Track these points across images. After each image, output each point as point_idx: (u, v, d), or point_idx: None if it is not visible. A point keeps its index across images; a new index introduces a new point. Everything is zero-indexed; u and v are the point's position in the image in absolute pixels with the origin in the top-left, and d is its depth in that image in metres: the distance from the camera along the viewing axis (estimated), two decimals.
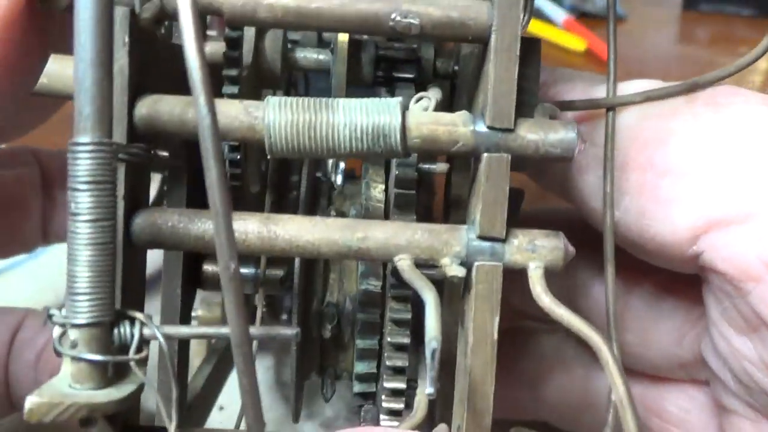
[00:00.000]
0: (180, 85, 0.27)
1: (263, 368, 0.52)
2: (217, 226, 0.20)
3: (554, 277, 0.26)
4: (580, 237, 0.28)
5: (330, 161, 0.37)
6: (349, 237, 0.26)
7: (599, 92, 0.33)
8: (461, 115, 0.26)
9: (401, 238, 0.26)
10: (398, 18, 0.25)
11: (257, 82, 0.34)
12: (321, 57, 0.34)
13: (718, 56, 0.87)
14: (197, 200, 0.32)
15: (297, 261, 0.33)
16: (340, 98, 0.26)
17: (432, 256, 0.26)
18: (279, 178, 0.37)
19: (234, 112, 0.25)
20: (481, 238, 0.26)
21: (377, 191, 0.33)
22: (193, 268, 0.35)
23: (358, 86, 0.34)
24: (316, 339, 0.34)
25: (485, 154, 0.25)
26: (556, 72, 0.34)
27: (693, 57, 0.89)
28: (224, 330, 0.23)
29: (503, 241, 0.26)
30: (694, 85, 0.32)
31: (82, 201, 0.22)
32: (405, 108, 0.26)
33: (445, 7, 0.25)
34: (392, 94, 0.33)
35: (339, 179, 0.36)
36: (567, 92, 0.33)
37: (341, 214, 0.35)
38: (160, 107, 0.25)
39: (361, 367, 0.33)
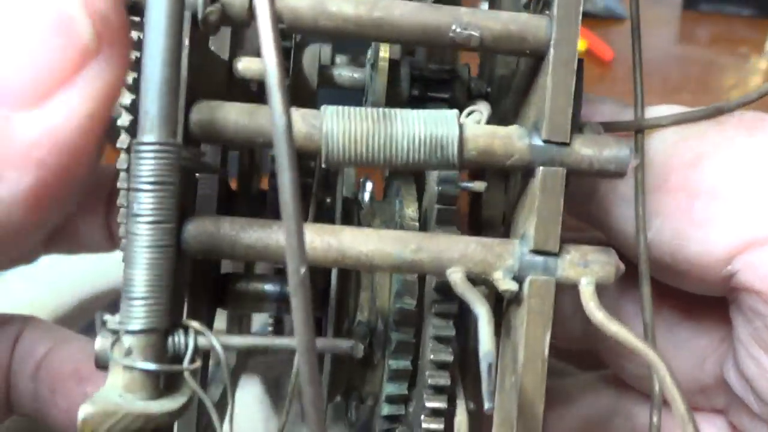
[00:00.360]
0: (220, 93, 0.26)
1: (254, 382, 0.51)
2: (289, 232, 0.20)
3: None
4: None
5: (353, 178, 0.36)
6: (403, 249, 0.26)
7: (625, 116, 0.33)
8: (515, 129, 0.26)
9: (454, 251, 0.26)
10: (459, 30, 0.25)
11: (292, 97, 0.34)
12: (356, 75, 0.34)
13: (718, 56, 0.88)
14: (226, 208, 0.31)
15: (333, 279, 0.32)
16: (397, 109, 0.25)
17: (485, 269, 0.26)
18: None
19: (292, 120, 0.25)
20: (535, 252, 0.25)
21: (411, 210, 0.33)
22: (216, 287, 0.34)
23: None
24: (345, 359, 0.33)
25: (540, 168, 0.25)
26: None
27: (693, 57, 0.90)
28: (289, 341, 0.22)
29: (556, 255, 0.26)
30: (720, 110, 0.32)
31: (145, 202, 0.21)
32: (459, 117, 0.26)
33: (505, 20, 0.25)
34: None
35: (366, 197, 0.35)
36: (592, 116, 0.34)
37: None
38: (219, 113, 0.25)
39: (391, 389, 0.32)
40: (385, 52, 0.33)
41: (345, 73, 0.34)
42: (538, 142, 0.25)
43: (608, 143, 0.26)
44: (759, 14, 0.97)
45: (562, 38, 0.25)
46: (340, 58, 0.35)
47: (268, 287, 0.36)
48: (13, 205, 0.22)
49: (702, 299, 0.33)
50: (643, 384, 0.37)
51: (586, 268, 0.26)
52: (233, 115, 0.25)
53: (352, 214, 0.35)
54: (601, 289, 0.26)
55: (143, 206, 0.21)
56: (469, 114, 0.27)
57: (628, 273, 0.28)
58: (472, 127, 0.25)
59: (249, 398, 0.51)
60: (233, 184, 0.37)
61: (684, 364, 0.36)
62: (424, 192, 0.33)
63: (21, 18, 0.21)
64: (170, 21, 0.21)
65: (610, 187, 0.33)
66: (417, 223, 0.32)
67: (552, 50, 0.25)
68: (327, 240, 0.25)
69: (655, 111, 0.33)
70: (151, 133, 0.21)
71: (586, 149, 0.25)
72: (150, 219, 0.21)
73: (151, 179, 0.21)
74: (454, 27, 0.25)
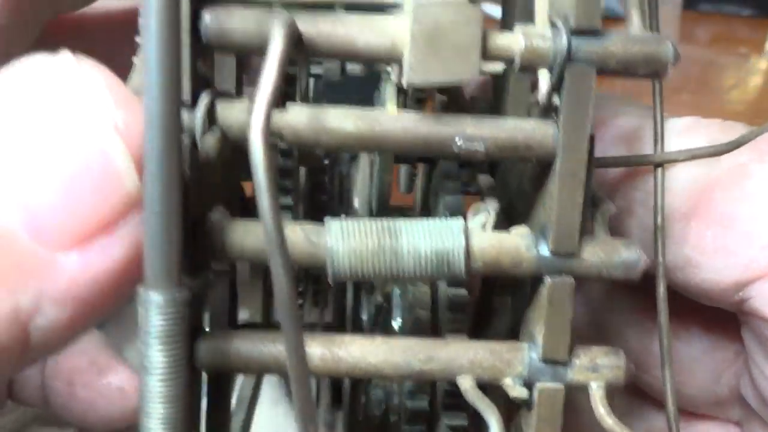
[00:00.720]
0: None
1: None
2: (291, 357, 0.20)
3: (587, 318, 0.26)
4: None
5: None
6: (412, 359, 0.26)
7: (645, 128, 0.33)
8: (523, 238, 0.25)
9: (463, 359, 0.26)
10: (463, 143, 0.24)
11: (299, 159, 0.34)
12: None
13: (718, 56, 0.87)
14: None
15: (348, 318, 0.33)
16: (402, 221, 0.25)
17: (494, 375, 0.26)
18: None
19: (294, 238, 0.25)
20: (544, 361, 0.26)
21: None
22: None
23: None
24: (360, 423, 0.34)
25: (548, 279, 0.25)
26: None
27: (693, 57, 0.89)
28: None
29: (566, 364, 0.26)
30: (742, 142, 0.31)
31: (154, 356, 0.22)
32: (465, 228, 0.25)
33: (510, 129, 0.25)
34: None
35: None
36: (608, 133, 0.33)
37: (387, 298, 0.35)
38: (228, 229, 0.25)
39: None
40: (392, 103, 0.32)
41: None
42: (545, 252, 0.25)
43: (617, 249, 0.25)
44: (759, 14, 0.96)
45: (570, 148, 0.24)
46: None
47: None
48: (48, 334, 0.23)
49: (719, 314, 0.33)
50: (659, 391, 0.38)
51: (596, 372, 0.26)
52: (248, 239, 0.25)
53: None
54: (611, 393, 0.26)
55: (153, 361, 0.22)
56: (476, 213, 0.26)
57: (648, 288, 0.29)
58: (479, 238, 0.25)
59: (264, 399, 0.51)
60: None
61: (700, 377, 0.36)
62: None
63: (68, 163, 0.21)
64: (165, 163, 0.21)
65: (625, 209, 0.33)
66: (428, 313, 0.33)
67: (559, 160, 0.24)
68: (335, 351, 0.26)
69: (677, 124, 0.33)
70: (155, 287, 0.21)
71: (595, 258, 0.25)
72: (161, 371, 0.22)
73: (160, 334, 0.22)
74: (458, 141, 0.24)
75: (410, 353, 0.26)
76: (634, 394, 0.40)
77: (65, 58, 0.22)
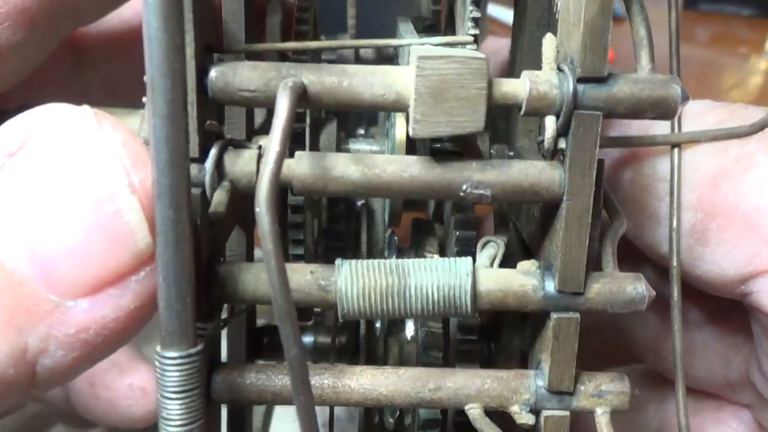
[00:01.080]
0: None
1: None
2: (296, 393, 0.22)
3: None
4: (622, 256, 0.29)
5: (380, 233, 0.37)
6: (421, 388, 0.27)
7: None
8: (530, 276, 0.26)
9: (471, 388, 0.27)
10: (470, 189, 0.25)
11: None
12: (374, 148, 0.33)
13: (718, 56, 0.86)
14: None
15: (362, 331, 0.34)
16: (409, 260, 0.26)
17: (501, 404, 0.27)
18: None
19: (304, 282, 0.25)
20: (550, 391, 0.26)
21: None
22: (254, 341, 0.36)
23: None
24: (376, 428, 0.35)
25: (554, 315, 0.26)
26: None
27: (693, 57, 0.88)
28: None
29: (571, 393, 0.26)
30: (765, 125, 0.31)
31: (172, 409, 0.23)
32: (473, 270, 0.26)
33: (516, 174, 0.25)
34: None
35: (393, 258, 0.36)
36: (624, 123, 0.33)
37: None
38: (240, 276, 0.25)
39: None
40: (402, 126, 0.32)
41: (363, 147, 0.33)
42: (551, 288, 0.25)
43: (622, 285, 0.26)
44: (759, 14, 0.94)
45: (575, 192, 0.24)
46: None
47: (302, 338, 0.37)
48: (54, 372, 0.24)
49: (725, 301, 0.33)
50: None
51: (601, 399, 0.27)
52: (260, 285, 0.25)
53: None
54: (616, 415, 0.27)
55: (172, 413, 0.23)
56: (484, 245, 0.27)
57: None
58: (487, 279, 0.26)
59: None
60: None
61: (710, 362, 0.37)
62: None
63: (84, 220, 0.22)
64: (175, 214, 0.21)
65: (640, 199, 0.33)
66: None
67: (565, 204, 0.25)
68: (347, 383, 0.27)
69: (696, 106, 0.32)
70: (171, 347, 0.22)
71: (602, 295, 0.26)
72: (179, 423, 0.23)
73: (177, 389, 0.23)
74: (465, 187, 0.25)
75: (419, 383, 0.27)
76: (653, 379, 0.41)
77: (86, 116, 0.23)
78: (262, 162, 0.21)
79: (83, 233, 0.22)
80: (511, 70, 0.35)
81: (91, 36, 0.39)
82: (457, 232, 0.31)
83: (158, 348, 0.23)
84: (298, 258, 0.33)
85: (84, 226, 0.22)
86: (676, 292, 0.31)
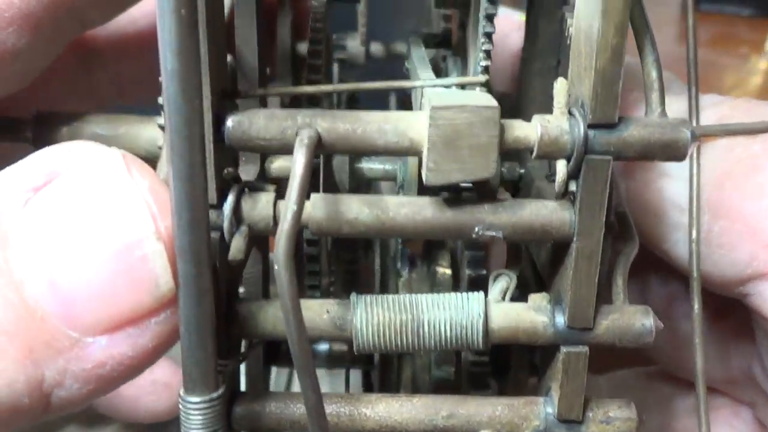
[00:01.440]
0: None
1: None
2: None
3: None
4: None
5: (393, 246, 0.37)
6: (434, 415, 0.28)
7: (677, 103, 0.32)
8: (540, 312, 0.26)
9: (483, 415, 0.28)
10: (482, 232, 0.25)
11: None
12: (387, 167, 0.34)
13: (719, 56, 0.85)
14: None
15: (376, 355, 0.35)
16: (423, 295, 0.26)
17: (512, 430, 0.28)
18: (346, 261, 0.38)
19: (319, 320, 0.26)
20: (559, 419, 0.27)
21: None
22: (270, 347, 0.37)
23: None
24: None
25: (564, 349, 0.26)
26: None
27: None
28: None
29: (580, 422, 0.27)
30: None
31: None
32: (485, 308, 0.26)
33: (528, 216, 0.25)
34: None
35: (405, 271, 0.36)
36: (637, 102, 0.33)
37: None
38: (258, 315, 0.26)
39: None
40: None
41: (376, 166, 0.34)
42: (561, 321, 0.26)
43: (632, 320, 0.26)
44: (759, 14, 0.93)
45: (586, 233, 0.25)
46: None
47: (317, 347, 0.39)
48: (68, 402, 0.25)
49: (727, 298, 0.34)
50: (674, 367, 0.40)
51: (609, 425, 0.28)
52: (278, 322, 0.26)
53: (390, 284, 0.37)
54: None
55: None
56: (496, 278, 0.27)
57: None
58: (497, 315, 0.26)
59: None
60: None
61: (710, 359, 0.37)
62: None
63: (109, 263, 0.23)
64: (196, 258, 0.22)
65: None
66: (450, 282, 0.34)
67: (575, 244, 0.25)
68: (363, 411, 0.27)
69: (705, 100, 0.33)
70: (194, 392, 0.23)
71: (610, 331, 0.26)
72: None
73: (201, 430, 0.24)
74: (477, 229, 0.25)
75: (432, 410, 0.28)
76: (665, 379, 0.41)
77: (116, 159, 0.23)
78: (280, 219, 0.21)
79: (107, 276, 0.23)
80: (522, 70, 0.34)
81: (99, 36, 0.39)
82: (469, 272, 0.32)
83: (181, 392, 0.24)
84: (313, 288, 0.34)
85: (109, 268, 0.23)
86: (696, 305, 0.31)
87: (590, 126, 0.24)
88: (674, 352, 0.38)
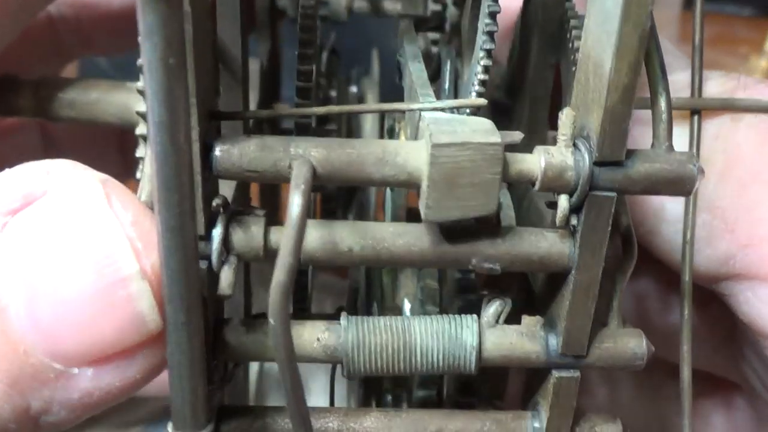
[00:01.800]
0: None
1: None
2: None
3: None
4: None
5: None
6: (423, 430, 0.28)
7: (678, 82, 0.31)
8: (533, 339, 0.26)
9: (471, 430, 0.28)
10: (479, 264, 0.24)
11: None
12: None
13: (719, 56, 0.84)
14: None
15: None
16: (416, 320, 0.26)
17: None
18: None
19: (311, 349, 0.26)
20: None
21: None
22: None
23: None
24: None
25: (555, 374, 0.26)
26: None
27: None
28: None
29: None
30: None
31: None
32: (478, 333, 0.26)
33: (527, 247, 0.25)
34: None
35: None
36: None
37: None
38: (246, 339, 0.25)
39: None
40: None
41: None
42: (554, 346, 0.26)
43: (625, 346, 0.26)
44: (759, 14, 0.92)
45: (585, 267, 0.24)
46: None
47: None
48: (58, 426, 0.24)
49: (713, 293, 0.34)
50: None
51: None
52: (267, 348, 0.26)
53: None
54: None
55: None
56: (489, 300, 0.27)
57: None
58: (490, 342, 0.26)
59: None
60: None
61: (697, 348, 0.38)
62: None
63: (94, 302, 0.22)
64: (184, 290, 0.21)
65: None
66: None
67: (573, 276, 0.25)
68: (352, 426, 0.27)
69: (708, 76, 0.32)
70: (183, 429, 0.23)
71: (603, 358, 0.26)
72: None
73: None
74: (474, 261, 0.24)
75: (421, 425, 0.28)
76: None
77: (95, 191, 0.22)
78: (274, 273, 0.20)
79: (90, 311, 0.22)
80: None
81: None
82: (459, 301, 0.31)
83: (170, 428, 0.23)
84: (302, 311, 0.33)
85: (91, 305, 0.22)
86: (687, 309, 0.31)
87: (596, 163, 0.23)
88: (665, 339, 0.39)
